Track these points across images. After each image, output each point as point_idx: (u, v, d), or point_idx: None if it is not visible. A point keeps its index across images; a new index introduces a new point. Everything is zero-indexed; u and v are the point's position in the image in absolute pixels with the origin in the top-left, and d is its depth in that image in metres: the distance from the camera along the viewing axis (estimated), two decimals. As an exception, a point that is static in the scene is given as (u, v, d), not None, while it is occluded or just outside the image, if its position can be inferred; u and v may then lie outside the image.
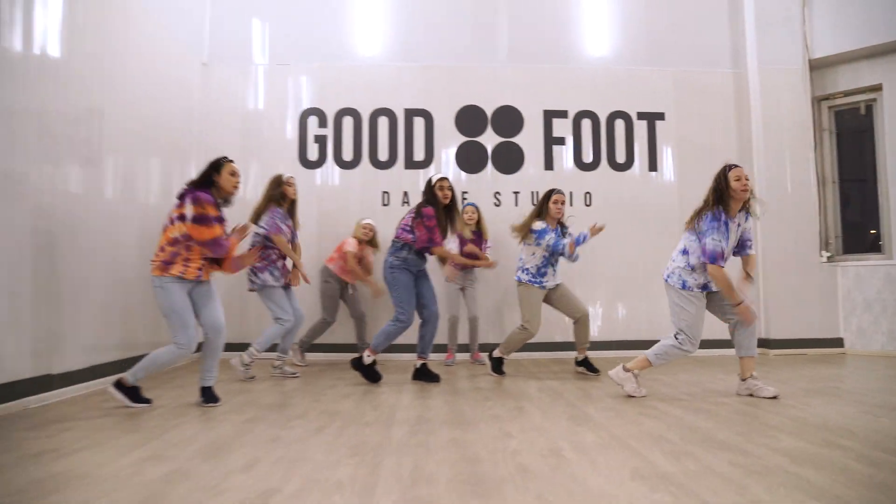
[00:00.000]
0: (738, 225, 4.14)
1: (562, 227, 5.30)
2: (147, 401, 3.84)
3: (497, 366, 5.30)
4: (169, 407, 3.81)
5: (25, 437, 3.01)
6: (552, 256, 5.21)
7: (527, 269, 5.25)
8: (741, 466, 2.47)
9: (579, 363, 5.35)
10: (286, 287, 5.15)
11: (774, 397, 4.02)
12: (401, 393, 4.31)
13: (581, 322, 5.29)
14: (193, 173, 6.22)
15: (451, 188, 4.81)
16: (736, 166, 4.09)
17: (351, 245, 5.86)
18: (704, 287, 4.16)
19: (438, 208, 4.74)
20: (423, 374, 4.89)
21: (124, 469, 2.48)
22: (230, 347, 5.84)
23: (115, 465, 2.53)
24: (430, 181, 4.81)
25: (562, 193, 5.28)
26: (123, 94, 5.01)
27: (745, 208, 4.16)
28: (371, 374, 4.82)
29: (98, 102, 4.66)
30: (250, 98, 6.64)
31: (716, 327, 4.68)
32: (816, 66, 6.81)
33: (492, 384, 4.72)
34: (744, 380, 4.20)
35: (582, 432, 3.11)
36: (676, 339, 4.18)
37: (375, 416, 3.50)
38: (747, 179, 4.05)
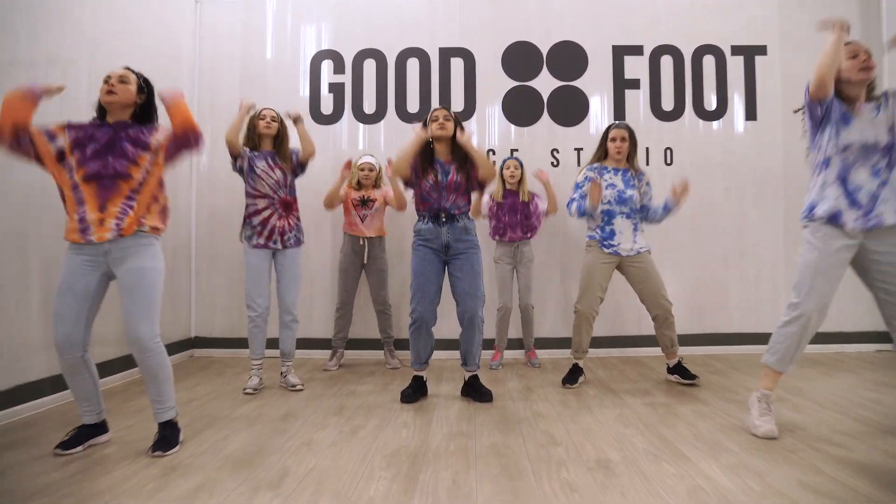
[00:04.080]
0: None
1: (635, 174, 4.11)
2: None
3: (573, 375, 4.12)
4: (115, 455, 2.72)
5: None
6: (620, 206, 4.08)
7: (597, 237, 4.16)
8: None
9: (671, 370, 4.13)
10: (274, 255, 4.04)
11: None
12: (428, 430, 3.14)
13: (660, 321, 4.06)
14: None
15: (450, 118, 3.65)
16: None
17: (343, 191, 4.77)
18: (833, 216, 2.81)
19: (424, 149, 3.67)
20: (472, 390, 3.75)
21: None
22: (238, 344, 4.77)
23: None
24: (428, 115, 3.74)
25: (624, 129, 4.11)
26: (91, 38, 3.89)
27: None
28: (409, 394, 3.75)
29: (63, 49, 3.60)
30: (252, 40, 5.44)
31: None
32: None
33: (550, 409, 3.52)
34: None
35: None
36: (788, 311, 2.93)
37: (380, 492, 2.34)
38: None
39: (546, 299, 5.22)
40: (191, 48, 5.36)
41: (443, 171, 3.63)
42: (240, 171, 4.00)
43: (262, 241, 3.94)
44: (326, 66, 5.38)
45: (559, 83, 5.33)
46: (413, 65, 5.35)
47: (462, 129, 3.62)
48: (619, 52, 5.35)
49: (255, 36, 5.43)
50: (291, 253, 4.02)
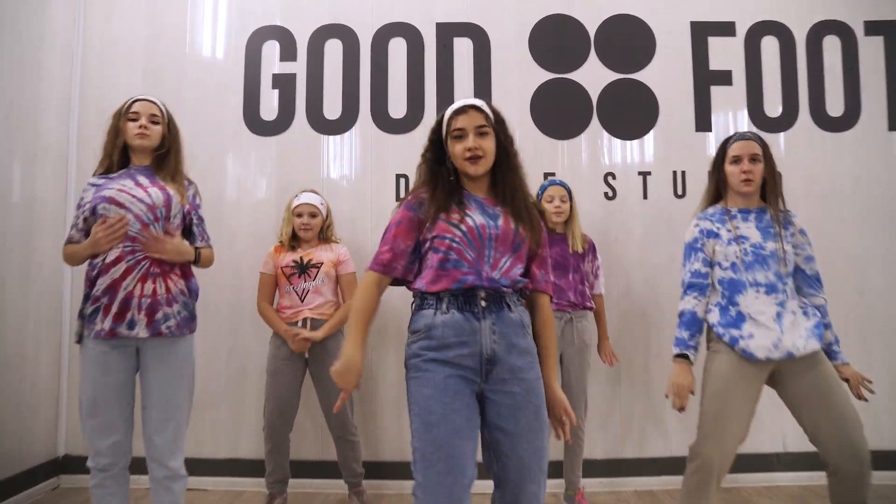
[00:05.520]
0: None
1: (777, 216, 2.35)
2: None
3: None
4: None
5: None
6: (754, 271, 2.31)
7: (714, 310, 2.38)
8: None
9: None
10: (138, 351, 2.27)
11: None
12: None
13: (848, 478, 2.25)
14: (67, 155, 3.48)
15: (487, 130, 1.82)
16: None
17: (267, 261, 3.12)
18: None
19: (440, 180, 1.87)
20: None
21: None
22: None
23: None
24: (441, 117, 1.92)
25: (754, 141, 2.36)
26: None
27: None
28: None
29: None
30: (162, 15, 3.69)
31: None
32: None
33: None
34: None
35: None
36: None
37: None
38: None
39: (597, 401, 3.45)
40: (69, 24, 3.61)
41: (484, 212, 1.83)
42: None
43: (106, 325, 2.15)
44: (270, 49, 3.63)
45: (614, 76, 3.61)
46: (398, 48, 3.62)
47: (511, 147, 1.89)
48: (702, 32, 3.64)
49: (161, 8, 3.69)
50: (168, 348, 2.24)
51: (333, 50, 3.63)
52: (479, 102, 1.87)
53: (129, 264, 2.19)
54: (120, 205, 2.19)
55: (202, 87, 3.61)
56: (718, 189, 2.46)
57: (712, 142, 3.57)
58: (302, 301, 2.97)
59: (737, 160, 2.34)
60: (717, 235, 2.35)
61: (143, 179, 2.26)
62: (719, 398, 2.28)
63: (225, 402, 3.48)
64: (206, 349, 3.29)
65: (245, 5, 3.66)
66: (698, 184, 3.49)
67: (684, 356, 2.29)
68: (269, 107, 3.61)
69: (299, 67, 3.62)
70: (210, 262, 2.46)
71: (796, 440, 3.39)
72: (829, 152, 3.59)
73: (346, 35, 3.62)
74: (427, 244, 1.80)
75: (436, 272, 1.76)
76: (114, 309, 2.17)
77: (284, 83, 3.61)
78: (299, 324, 2.95)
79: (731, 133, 3.41)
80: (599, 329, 3.18)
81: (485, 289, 1.75)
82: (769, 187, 2.38)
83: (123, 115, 2.29)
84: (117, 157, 2.28)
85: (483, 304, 1.75)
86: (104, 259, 2.18)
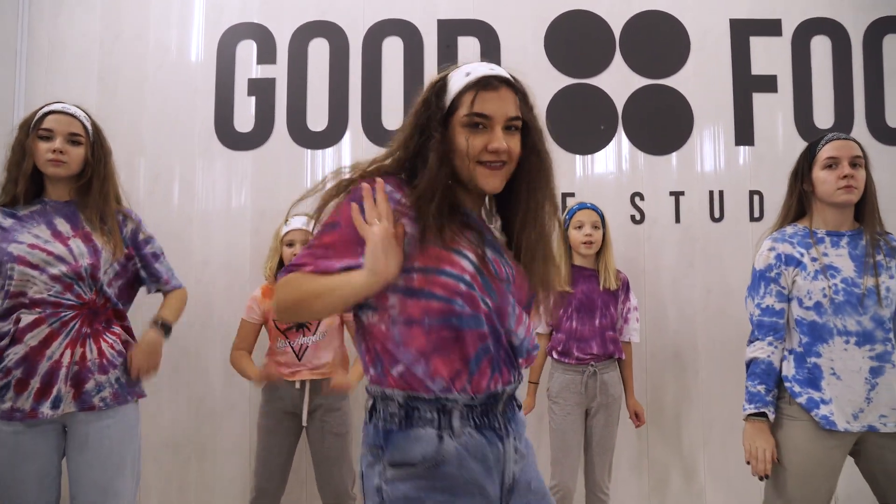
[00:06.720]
0: None
1: (876, 240, 1.91)
2: None
3: None
4: None
5: None
6: (845, 315, 1.85)
7: (788, 358, 1.95)
8: None
9: None
10: (66, 432, 1.87)
11: None
12: None
13: None
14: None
15: (520, 117, 1.22)
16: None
17: (253, 307, 2.59)
18: None
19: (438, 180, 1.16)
20: None
21: None
22: None
23: None
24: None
25: (850, 140, 1.92)
26: None
27: None
28: None
29: None
30: (119, 10, 3.20)
31: None
32: None
33: None
34: None
35: None
36: None
37: None
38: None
39: (620, 453, 3.01)
40: (11, 19, 3.14)
41: (494, 249, 1.23)
42: None
43: (23, 404, 1.72)
44: (245, 50, 3.16)
45: (642, 81, 3.15)
46: (393, 48, 3.15)
47: (545, 152, 1.27)
48: (743, 31, 3.18)
49: (122, 5, 3.21)
50: (103, 421, 1.82)
51: (319, 51, 3.15)
52: (511, 76, 1.24)
53: (52, 327, 1.75)
54: (34, 267, 1.73)
55: (167, 93, 3.13)
56: (801, 204, 2.01)
57: (750, 158, 3.12)
58: (300, 359, 2.49)
59: (833, 163, 1.88)
60: (798, 263, 1.89)
61: (62, 225, 1.80)
62: (797, 478, 1.85)
63: (194, 459, 3.02)
64: (173, 396, 2.86)
65: (215, 1, 3.19)
66: (738, 206, 3.08)
67: (762, 414, 1.85)
68: (245, 117, 3.13)
69: (279, 71, 3.13)
70: (183, 305, 2.06)
71: (850, 501, 2.98)
72: (890, 168, 3.13)
73: (334, 34, 3.14)
74: (407, 283, 1.13)
75: (437, 335, 1.12)
76: (34, 384, 1.72)
77: (262, 89, 3.13)
78: (297, 384, 2.48)
79: (776, 139, 3.04)
80: (625, 384, 2.71)
81: (514, 367, 1.21)
82: (866, 204, 1.92)
83: (33, 129, 1.82)
84: (23, 188, 1.82)
85: (503, 401, 1.19)
86: (16, 322, 1.73)
